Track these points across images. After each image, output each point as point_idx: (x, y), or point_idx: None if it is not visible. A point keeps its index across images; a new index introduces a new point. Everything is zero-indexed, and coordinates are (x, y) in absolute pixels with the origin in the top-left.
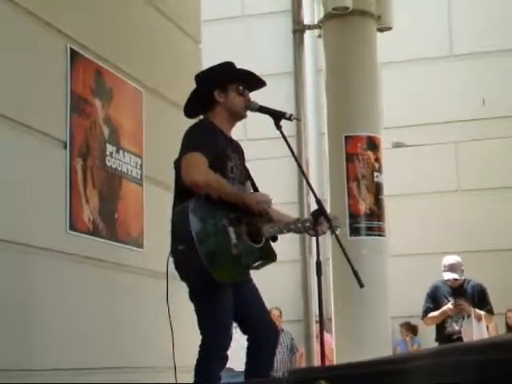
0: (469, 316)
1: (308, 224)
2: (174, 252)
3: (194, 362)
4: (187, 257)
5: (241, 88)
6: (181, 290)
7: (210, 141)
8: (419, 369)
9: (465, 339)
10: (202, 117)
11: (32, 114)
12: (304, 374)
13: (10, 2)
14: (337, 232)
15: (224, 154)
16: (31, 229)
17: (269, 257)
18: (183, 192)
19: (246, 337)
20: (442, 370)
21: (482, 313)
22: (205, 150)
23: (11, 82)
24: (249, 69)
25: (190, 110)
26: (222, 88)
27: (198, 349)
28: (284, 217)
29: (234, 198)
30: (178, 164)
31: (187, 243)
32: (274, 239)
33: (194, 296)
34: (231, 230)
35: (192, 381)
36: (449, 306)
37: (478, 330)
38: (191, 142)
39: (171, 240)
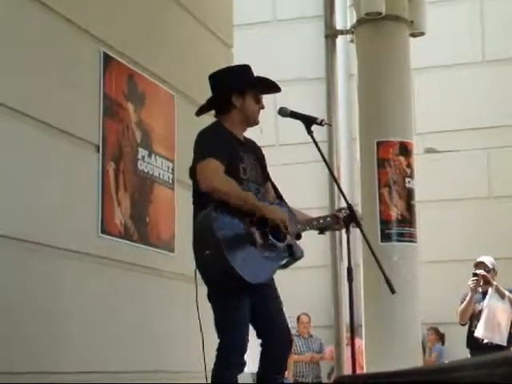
0: (490, 285)
1: (329, 219)
2: (200, 259)
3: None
4: (214, 262)
5: (258, 95)
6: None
7: (222, 145)
8: (470, 378)
9: (489, 315)
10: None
11: (65, 118)
12: (350, 380)
13: (44, 7)
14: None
15: (235, 156)
16: (63, 232)
17: (295, 254)
18: (202, 199)
19: None
20: (494, 380)
21: (506, 292)
22: (219, 154)
23: (45, 86)
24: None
25: (200, 110)
26: (239, 93)
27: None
28: (304, 216)
29: (250, 206)
30: (193, 172)
31: (214, 249)
32: (298, 237)
33: (213, 299)
34: (255, 230)
35: None
36: (469, 282)
37: (502, 305)
38: (205, 148)
39: (195, 248)
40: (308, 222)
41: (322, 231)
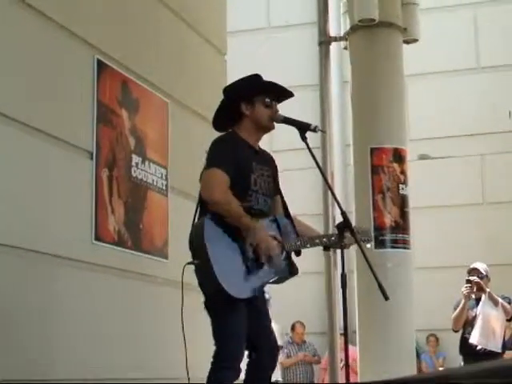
0: (484, 292)
1: (333, 238)
2: (194, 266)
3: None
4: (202, 271)
5: (267, 100)
6: (200, 301)
7: (232, 155)
8: None
9: (483, 322)
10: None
11: (59, 125)
12: None
13: (37, 14)
14: (368, 246)
15: (247, 167)
16: (57, 239)
17: (288, 271)
18: (204, 206)
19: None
20: None
21: (499, 299)
22: (226, 165)
23: (38, 93)
24: (274, 80)
25: (218, 124)
26: (248, 100)
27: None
28: (309, 230)
29: (243, 228)
30: (201, 177)
31: (202, 258)
32: (298, 253)
33: (209, 306)
34: (248, 243)
35: None
36: (462, 288)
37: (495, 312)
38: (214, 157)
39: (191, 255)
40: (310, 240)
41: (326, 248)
